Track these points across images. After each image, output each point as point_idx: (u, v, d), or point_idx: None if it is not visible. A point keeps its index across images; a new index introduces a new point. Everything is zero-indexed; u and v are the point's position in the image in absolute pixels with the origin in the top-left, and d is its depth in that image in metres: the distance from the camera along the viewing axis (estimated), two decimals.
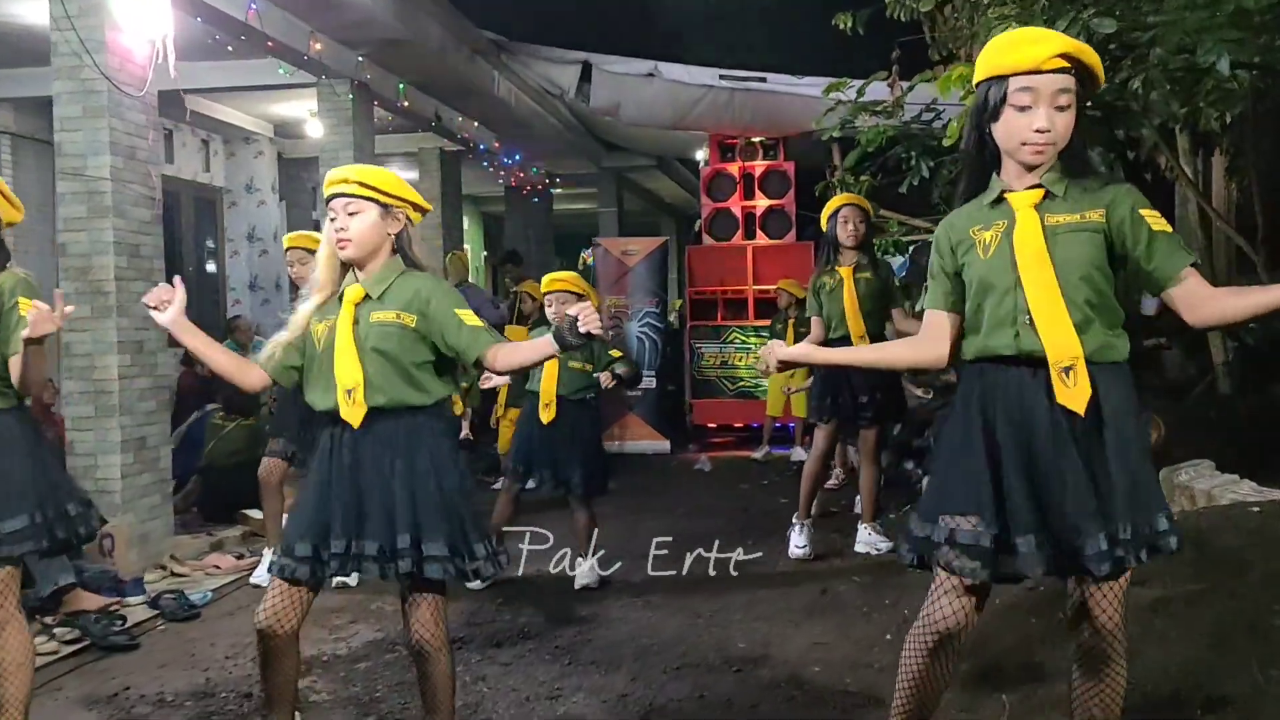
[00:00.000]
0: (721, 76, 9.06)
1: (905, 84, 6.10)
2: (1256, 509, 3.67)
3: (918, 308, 2.51)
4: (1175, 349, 8.20)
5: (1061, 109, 2.21)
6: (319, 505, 2.74)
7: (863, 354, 2.63)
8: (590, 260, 12.27)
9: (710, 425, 10.49)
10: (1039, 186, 2.28)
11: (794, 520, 5.50)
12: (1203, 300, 2.18)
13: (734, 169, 10.49)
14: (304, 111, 9.20)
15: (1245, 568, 3.40)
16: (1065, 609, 2.40)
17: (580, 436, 5.02)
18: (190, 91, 7.18)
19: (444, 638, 2.80)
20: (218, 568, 5.58)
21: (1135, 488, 2.18)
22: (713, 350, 10.37)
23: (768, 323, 9.33)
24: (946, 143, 5.01)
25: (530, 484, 5.11)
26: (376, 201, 2.74)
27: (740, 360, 10.21)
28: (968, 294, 2.34)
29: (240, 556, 5.77)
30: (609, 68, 9.05)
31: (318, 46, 7.30)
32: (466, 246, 17.48)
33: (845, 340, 5.16)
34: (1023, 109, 2.21)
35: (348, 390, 2.69)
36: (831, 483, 7.24)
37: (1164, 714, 2.94)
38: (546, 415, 4.92)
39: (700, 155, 11.24)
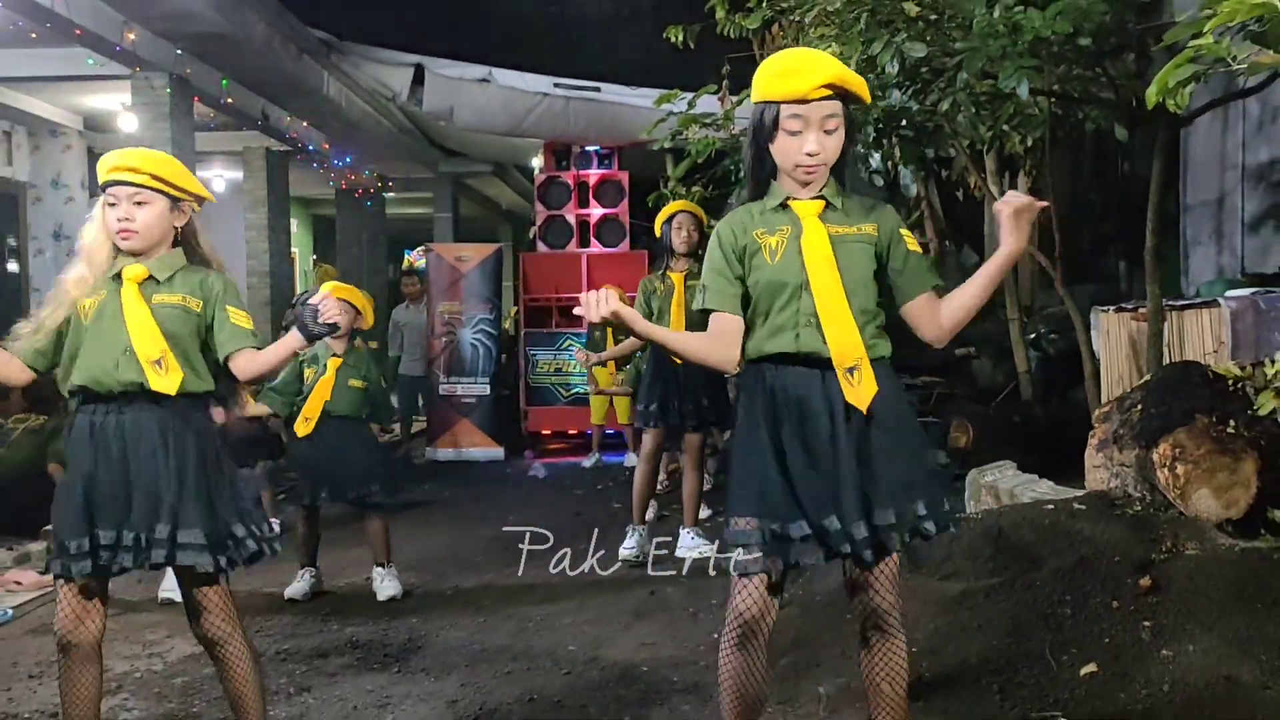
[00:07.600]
0: (556, 85, 9.08)
1: (734, 98, 6.31)
2: (1050, 506, 3.94)
3: (694, 306, 2.61)
4: (984, 358, 8.68)
5: (830, 132, 2.39)
6: (85, 494, 2.63)
7: (669, 337, 2.71)
8: (420, 263, 12.08)
9: (545, 432, 10.50)
10: (821, 198, 2.46)
11: (630, 527, 5.59)
12: (931, 316, 2.42)
13: (568, 177, 10.53)
14: (116, 104, 8.69)
15: (1039, 562, 3.65)
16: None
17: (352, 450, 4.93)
18: None
19: (233, 626, 2.74)
20: (19, 584, 5.25)
21: (902, 474, 2.37)
22: (547, 357, 10.38)
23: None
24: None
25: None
26: (165, 194, 2.73)
27: (574, 367, 10.24)
28: (751, 296, 2.48)
29: (44, 571, 5.44)
30: (442, 71, 8.94)
31: (132, 37, 6.98)
32: (295, 250, 17.01)
33: None
34: (794, 134, 2.39)
35: (154, 360, 2.62)
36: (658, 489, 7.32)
37: (965, 701, 3.14)
38: (304, 429, 4.78)
39: (535, 162, 11.24)
